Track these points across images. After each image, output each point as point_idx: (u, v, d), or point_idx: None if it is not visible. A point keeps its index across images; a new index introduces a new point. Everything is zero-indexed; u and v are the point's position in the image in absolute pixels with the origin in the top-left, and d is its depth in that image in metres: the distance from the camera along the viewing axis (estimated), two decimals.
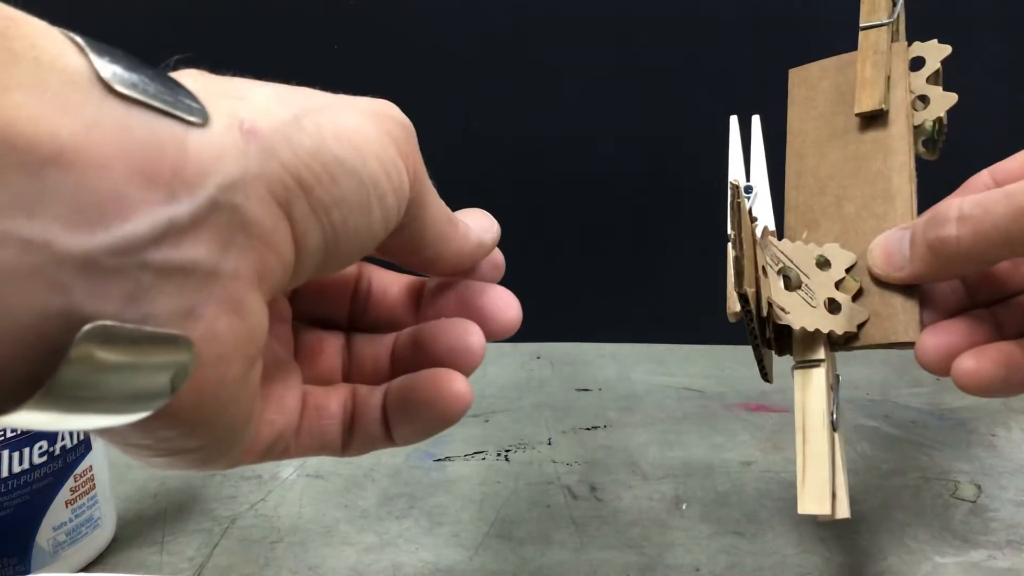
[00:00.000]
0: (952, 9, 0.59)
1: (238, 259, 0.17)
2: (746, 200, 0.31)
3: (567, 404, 0.56)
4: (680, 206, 0.67)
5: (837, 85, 0.37)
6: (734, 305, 0.30)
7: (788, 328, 0.31)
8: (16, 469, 0.35)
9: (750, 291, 0.28)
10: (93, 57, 0.15)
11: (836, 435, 0.29)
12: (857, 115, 0.35)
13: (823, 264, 0.33)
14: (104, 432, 0.19)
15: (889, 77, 0.35)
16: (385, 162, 0.20)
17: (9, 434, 0.34)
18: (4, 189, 0.13)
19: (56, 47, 0.15)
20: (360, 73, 0.63)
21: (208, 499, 0.45)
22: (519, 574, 0.38)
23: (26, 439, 0.35)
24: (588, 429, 0.53)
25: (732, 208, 0.29)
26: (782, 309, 0.30)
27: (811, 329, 0.30)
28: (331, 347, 0.27)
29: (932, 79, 0.36)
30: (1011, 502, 0.44)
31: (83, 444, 0.38)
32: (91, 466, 0.38)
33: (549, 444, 0.51)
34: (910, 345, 0.30)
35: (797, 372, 0.31)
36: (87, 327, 0.14)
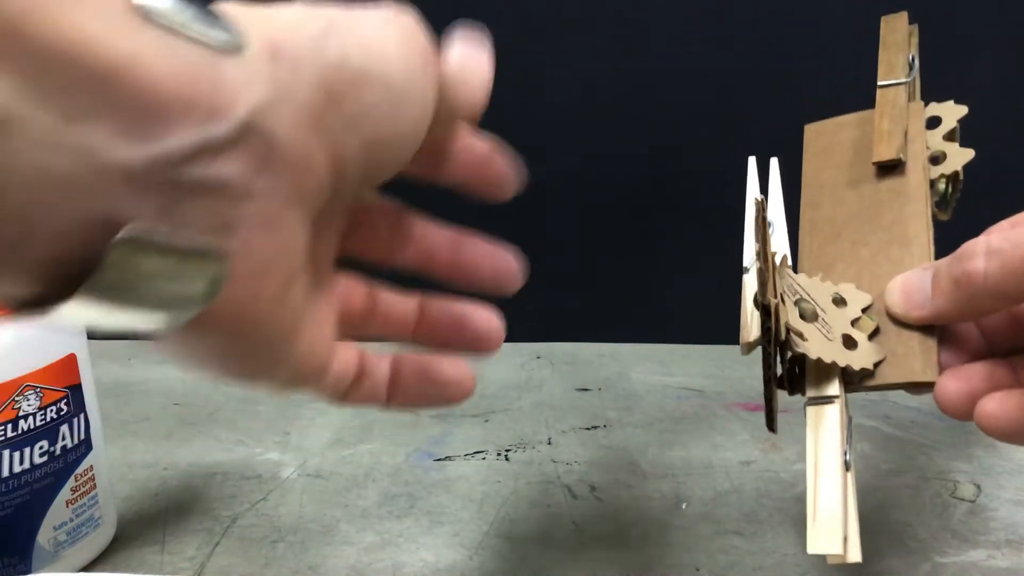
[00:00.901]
0: (953, 16, 0.60)
1: (272, 179, 0.17)
2: (766, 217, 0.30)
3: (567, 404, 0.57)
4: (681, 206, 0.67)
5: (854, 139, 0.38)
6: (748, 335, 0.30)
7: (801, 366, 0.31)
8: (17, 469, 0.35)
9: (774, 302, 0.28)
10: None
11: (849, 475, 0.29)
12: (875, 164, 0.35)
13: (839, 302, 0.32)
14: (157, 338, 0.20)
15: (906, 132, 0.36)
16: (409, 65, 0.20)
17: (10, 433, 0.35)
18: (64, 101, 0.14)
19: None
20: None
21: (209, 498, 0.45)
22: (519, 573, 0.39)
23: (27, 439, 0.35)
24: (588, 429, 0.53)
25: (756, 223, 0.29)
26: (800, 335, 0.29)
27: (828, 360, 0.29)
28: (358, 294, 0.27)
29: (948, 137, 0.36)
30: (1010, 502, 0.44)
31: (83, 444, 0.38)
32: (92, 466, 0.38)
33: (549, 444, 0.51)
34: (928, 387, 0.29)
35: (810, 409, 0.30)
36: (122, 233, 0.15)
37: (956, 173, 0.35)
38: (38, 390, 0.35)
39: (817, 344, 0.30)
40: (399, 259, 0.28)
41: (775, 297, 0.28)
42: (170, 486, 0.46)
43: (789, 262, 0.33)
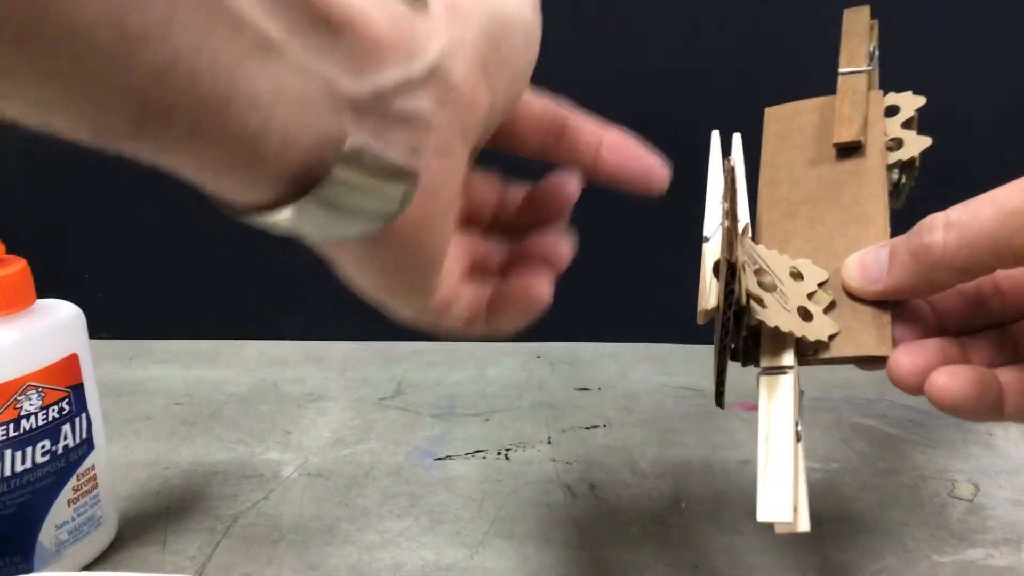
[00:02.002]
0: (952, 11, 0.60)
1: (449, 113, 0.21)
2: (734, 180, 0.31)
3: (567, 404, 0.57)
4: (681, 206, 0.67)
5: (814, 122, 0.38)
6: (706, 303, 0.30)
7: (755, 338, 0.31)
8: (19, 468, 0.35)
9: (741, 259, 0.28)
10: None
11: (799, 446, 0.29)
12: (834, 146, 0.36)
13: (796, 276, 0.32)
14: (345, 253, 0.23)
15: (866, 117, 0.36)
16: (535, 7, 0.25)
17: (12, 433, 0.35)
18: (314, 39, 0.18)
19: None
20: None
21: (210, 498, 0.45)
22: (519, 572, 0.39)
23: (29, 438, 0.35)
24: (588, 428, 0.53)
25: (726, 184, 0.29)
26: (760, 302, 0.30)
27: (785, 330, 0.29)
28: (481, 243, 0.32)
29: (906, 125, 0.36)
30: (1008, 501, 0.44)
31: (85, 443, 0.38)
32: (93, 465, 0.39)
33: (549, 443, 0.51)
34: (881, 362, 0.29)
35: (763, 379, 0.30)
36: (348, 144, 0.19)
37: (912, 160, 0.35)
38: (40, 390, 0.36)
39: (775, 312, 0.30)
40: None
41: (741, 258, 0.28)
42: (171, 485, 0.46)
43: (750, 233, 0.34)
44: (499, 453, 0.50)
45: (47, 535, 0.37)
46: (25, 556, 0.36)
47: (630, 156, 0.32)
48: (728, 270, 0.28)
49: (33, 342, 0.35)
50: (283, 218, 0.20)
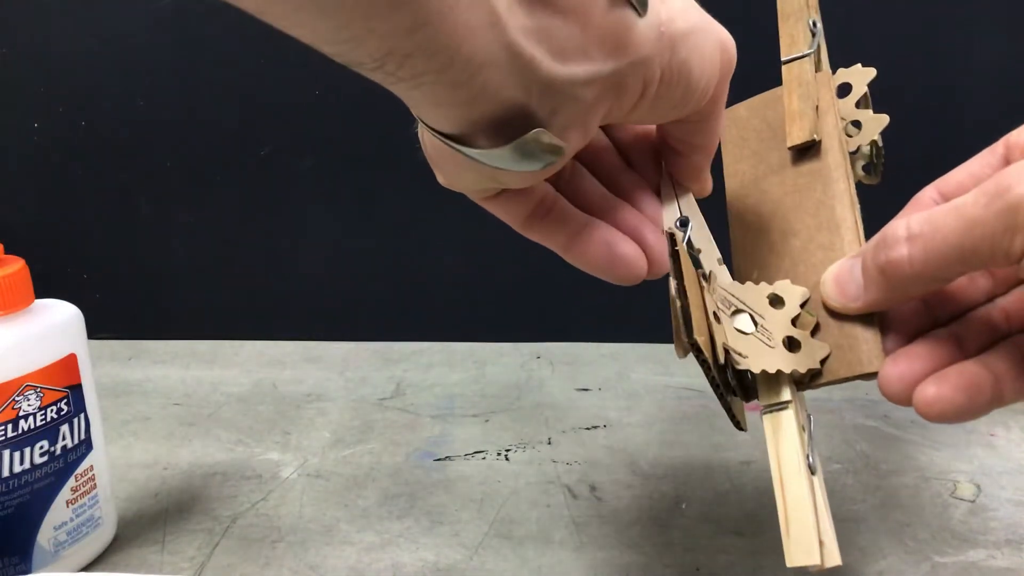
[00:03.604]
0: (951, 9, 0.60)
1: (604, 104, 0.25)
2: (684, 244, 0.30)
3: (567, 404, 0.57)
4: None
5: (767, 122, 0.37)
6: (680, 350, 0.30)
7: (751, 376, 0.31)
8: (17, 469, 0.35)
9: (701, 339, 0.27)
10: None
11: (815, 479, 0.28)
12: (790, 149, 0.35)
13: (776, 302, 0.32)
14: (501, 176, 0.27)
15: (817, 107, 0.35)
16: (707, 86, 0.28)
17: (11, 433, 0.35)
18: (535, 21, 0.22)
19: None
20: None
21: (209, 499, 0.45)
22: (519, 573, 0.39)
23: (27, 438, 0.35)
24: (588, 429, 0.53)
25: (671, 257, 0.29)
26: (739, 354, 0.29)
27: (772, 371, 0.29)
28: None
29: (862, 103, 0.36)
30: (1010, 502, 0.44)
31: (84, 444, 0.38)
32: (92, 466, 0.38)
33: (549, 444, 0.51)
34: (874, 377, 0.29)
35: (766, 417, 0.30)
36: (537, 130, 0.24)
37: (874, 142, 0.35)
38: (38, 390, 0.35)
39: (758, 357, 0.29)
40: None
41: (703, 335, 0.27)
42: (170, 486, 0.46)
43: (718, 276, 0.33)
44: (499, 454, 0.50)
45: (45, 536, 0.36)
46: (23, 557, 0.36)
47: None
48: (695, 350, 0.28)
49: (31, 342, 0.35)
50: (460, 146, 0.24)
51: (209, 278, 0.68)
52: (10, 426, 0.34)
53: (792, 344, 0.30)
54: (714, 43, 0.28)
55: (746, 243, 0.35)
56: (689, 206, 0.33)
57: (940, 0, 0.59)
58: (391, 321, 0.68)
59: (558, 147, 0.25)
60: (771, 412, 0.30)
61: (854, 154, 0.35)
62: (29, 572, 0.36)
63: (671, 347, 0.72)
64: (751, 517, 0.43)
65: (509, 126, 0.23)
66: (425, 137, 0.27)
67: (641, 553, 0.40)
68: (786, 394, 0.30)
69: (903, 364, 0.28)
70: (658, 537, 0.41)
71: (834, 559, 0.27)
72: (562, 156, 0.25)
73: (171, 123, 0.64)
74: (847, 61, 0.37)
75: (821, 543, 0.27)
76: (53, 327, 0.36)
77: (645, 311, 0.69)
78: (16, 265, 0.36)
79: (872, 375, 0.29)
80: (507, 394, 0.58)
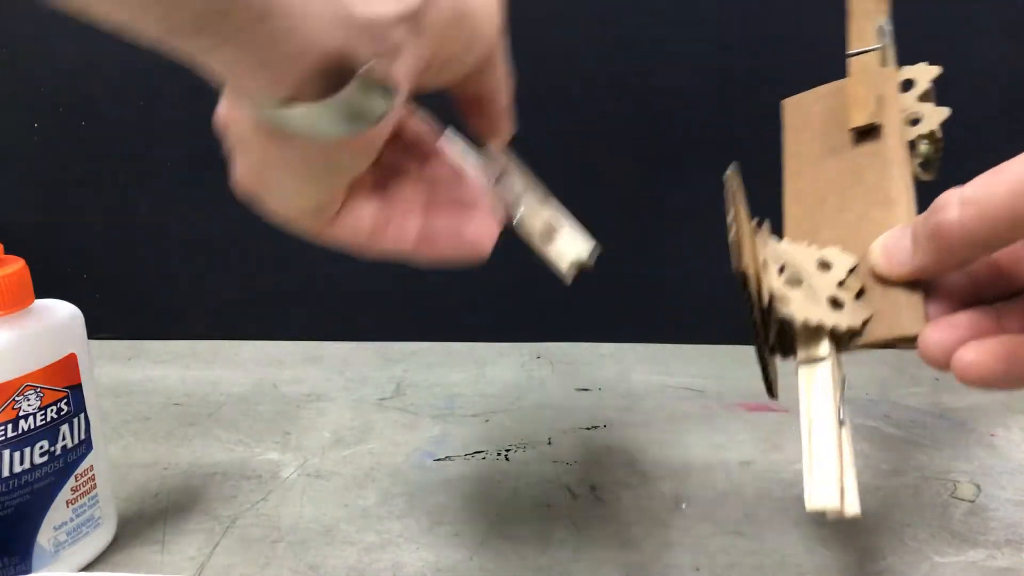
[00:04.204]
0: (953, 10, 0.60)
1: (414, 47, 0.25)
2: (736, 175, 0.30)
3: (567, 404, 0.57)
4: (681, 206, 0.67)
5: (830, 108, 0.38)
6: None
7: (790, 330, 0.31)
8: (17, 469, 0.35)
9: (749, 270, 0.28)
10: None
11: (844, 431, 0.29)
12: (851, 131, 0.36)
13: (824, 266, 0.32)
14: (318, 146, 0.26)
15: (881, 97, 0.36)
16: (487, 23, 0.28)
17: (11, 433, 0.35)
18: None
19: None
20: None
21: (209, 499, 0.45)
22: (519, 574, 0.39)
23: (27, 438, 0.35)
24: (588, 429, 0.53)
25: (729, 191, 0.29)
26: (783, 300, 0.30)
27: (814, 322, 0.30)
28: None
29: (923, 98, 0.36)
30: (1010, 502, 0.44)
31: (84, 444, 0.38)
32: (92, 466, 0.38)
33: (549, 444, 0.51)
34: (914, 342, 0.29)
35: (802, 369, 0.30)
36: (368, 64, 0.23)
37: (933, 132, 0.35)
38: (38, 390, 0.35)
39: (802, 306, 0.30)
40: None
41: (753, 264, 0.28)
42: (170, 486, 0.46)
43: (770, 228, 0.33)
44: (499, 454, 0.50)
45: (45, 536, 0.36)
46: (23, 557, 0.36)
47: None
48: (741, 280, 0.28)
49: (31, 342, 0.35)
50: (292, 114, 0.23)
51: (209, 278, 0.68)
52: (10, 426, 0.34)
53: (835, 304, 0.31)
54: None
55: (799, 217, 0.36)
56: (502, 160, 0.35)
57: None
58: (391, 321, 0.68)
59: (389, 87, 0.24)
60: (807, 365, 0.30)
61: (913, 149, 0.36)
62: (29, 572, 0.36)
63: (671, 347, 0.73)
64: (751, 517, 0.43)
65: (338, 80, 0.23)
66: (247, 138, 0.26)
67: (641, 553, 0.40)
68: (824, 349, 0.30)
69: (945, 329, 0.28)
70: (658, 537, 0.41)
71: (854, 509, 0.27)
72: (394, 103, 0.25)
73: (171, 123, 0.64)
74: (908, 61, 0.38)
75: (842, 493, 0.27)
76: (53, 327, 0.36)
77: (645, 311, 0.69)
78: (16, 265, 0.36)
79: (912, 339, 0.29)
80: (507, 394, 0.58)
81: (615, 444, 0.51)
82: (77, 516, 0.38)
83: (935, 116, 0.35)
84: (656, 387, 0.60)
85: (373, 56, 0.23)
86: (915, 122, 0.36)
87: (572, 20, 0.63)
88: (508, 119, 0.34)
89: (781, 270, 0.31)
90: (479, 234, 0.31)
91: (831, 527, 0.42)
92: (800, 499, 0.44)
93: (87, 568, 0.39)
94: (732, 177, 0.30)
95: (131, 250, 0.67)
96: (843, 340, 0.31)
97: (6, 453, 0.35)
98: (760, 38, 0.62)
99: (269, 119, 0.24)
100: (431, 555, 0.40)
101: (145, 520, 0.43)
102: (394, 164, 0.32)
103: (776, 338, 0.31)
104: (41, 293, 0.37)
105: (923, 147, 0.35)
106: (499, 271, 0.69)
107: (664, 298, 0.68)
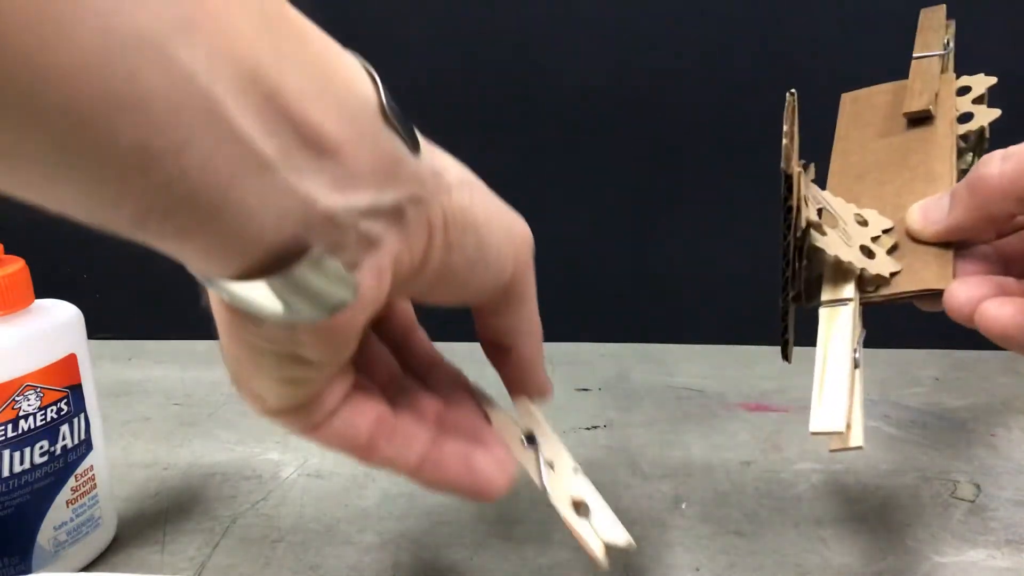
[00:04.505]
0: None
1: (391, 243, 0.23)
2: (797, 108, 0.31)
3: (567, 404, 0.57)
4: (681, 206, 0.67)
5: (887, 102, 0.40)
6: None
7: (817, 281, 0.32)
8: (17, 469, 0.35)
9: (797, 170, 0.29)
10: (382, 91, 0.22)
11: (857, 374, 0.29)
12: (905, 115, 0.37)
13: (861, 222, 0.33)
14: (277, 331, 0.24)
15: (937, 94, 0.38)
16: (500, 247, 0.27)
17: (11, 433, 0.35)
18: (304, 160, 0.20)
19: (359, 78, 0.22)
20: None
21: (209, 499, 0.45)
22: (519, 574, 0.39)
23: (27, 438, 0.35)
24: (588, 429, 0.53)
25: (787, 110, 0.30)
26: (820, 230, 0.30)
27: (845, 260, 0.30)
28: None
29: (977, 101, 0.38)
30: (1010, 502, 0.44)
31: (84, 444, 0.38)
32: (92, 466, 0.38)
33: None
34: (939, 298, 0.30)
35: (823, 310, 0.31)
36: (314, 250, 0.21)
37: (982, 130, 0.37)
38: (38, 390, 0.35)
39: (836, 243, 0.30)
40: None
41: (796, 170, 0.28)
42: (170, 486, 0.46)
43: (813, 174, 0.34)
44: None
45: (45, 536, 0.36)
46: (23, 557, 0.36)
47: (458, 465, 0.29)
48: (785, 182, 0.28)
49: (31, 342, 0.35)
50: (238, 290, 0.22)
51: None
52: (10, 426, 0.34)
53: (868, 253, 0.31)
54: (498, 205, 0.27)
55: (840, 186, 0.37)
56: (530, 417, 0.33)
57: None
58: None
59: (345, 276, 0.22)
60: (831, 307, 0.31)
61: (962, 147, 0.37)
62: (29, 572, 0.36)
63: (671, 347, 0.73)
64: (751, 517, 0.43)
65: (291, 261, 0.21)
66: (218, 312, 0.25)
67: (641, 554, 0.40)
68: (850, 291, 0.31)
69: (972, 285, 0.29)
70: (658, 537, 0.41)
71: (858, 441, 0.27)
72: (357, 293, 0.22)
73: None
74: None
75: (848, 425, 0.27)
76: (53, 327, 0.36)
77: (645, 311, 0.69)
78: (16, 265, 0.36)
79: (938, 294, 0.30)
80: (507, 394, 0.58)
81: (615, 444, 0.51)
82: (77, 516, 0.38)
83: (986, 115, 0.37)
84: (656, 387, 0.60)
85: (331, 248, 0.21)
86: (965, 119, 0.37)
87: (572, 18, 0.63)
88: (537, 375, 0.32)
89: (819, 213, 0.32)
90: (492, 470, 0.29)
91: (830, 527, 0.42)
92: (801, 498, 0.44)
93: (87, 568, 0.39)
94: (792, 97, 0.31)
95: (131, 250, 0.67)
96: (869, 287, 0.31)
97: (6, 453, 0.35)
98: (763, 39, 0.62)
99: (216, 289, 0.22)
100: (430, 556, 0.40)
101: (145, 520, 0.43)
102: (402, 376, 0.31)
103: (802, 284, 0.32)
104: (41, 293, 0.37)
105: (968, 147, 0.37)
106: None
107: (664, 298, 0.68)
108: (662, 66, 0.63)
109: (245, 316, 0.23)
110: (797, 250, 0.31)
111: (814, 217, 0.30)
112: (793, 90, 0.31)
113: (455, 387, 0.33)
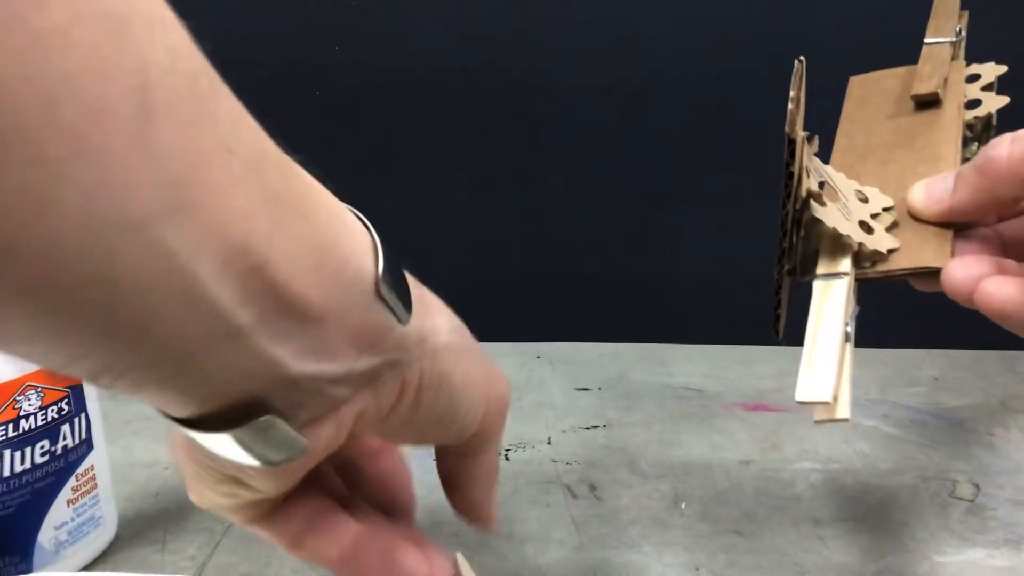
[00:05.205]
0: None
1: (359, 401, 0.22)
2: (803, 67, 0.31)
3: (567, 404, 0.57)
4: (682, 206, 0.67)
5: (896, 86, 0.40)
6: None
7: (813, 256, 0.31)
8: (18, 468, 0.35)
9: (799, 135, 0.28)
10: (380, 265, 0.21)
11: (848, 348, 0.28)
12: (912, 98, 0.37)
13: (862, 199, 0.33)
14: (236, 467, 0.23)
15: (946, 80, 0.38)
16: (472, 406, 0.27)
17: (11, 433, 0.35)
18: (281, 326, 0.19)
19: (360, 250, 0.21)
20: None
21: None
22: (519, 573, 0.39)
23: (28, 438, 0.35)
24: (588, 429, 0.53)
25: (795, 75, 0.30)
26: (820, 200, 0.30)
27: (843, 232, 0.30)
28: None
29: (986, 89, 0.38)
30: (1009, 501, 0.44)
31: (84, 444, 0.38)
32: (92, 465, 0.39)
33: (549, 443, 0.51)
34: (936, 276, 0.29)
35: (818, 283, 0.30)
36: (267, 417, 0.20)
37: (989, 116, 0.37)
38: (39, 390, 0.36)
39: (835, 215, 0.30)
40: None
41: (800, 134, 0.28)
42: (171, 486, 0.46)
43: (816, 146, 0.34)
44: (499, 453, 0.50)
45: (46, 535, 0.37)
46: (24, 556, 0.36)
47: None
48: (788, 146, 0.28)
49: None
50: (191, 432, 0.21)
51: None
52: (11, 426, 0.35)
53: (867, 229, 0.31)
54: (482, 368, 0.27)
55: (844, 164, 0.36)
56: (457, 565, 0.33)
57: None
58: None
59: (297, 440, 0.21)
60: (825, 279, 0.30)
61: (968, 137, 0.37)
62: (30, 572, 0.36)
63: (671, 347, 0.72)
64: (751, 517, 0.43)
65: (248, 416, 0.21)
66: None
67: (641, 553, 0.40)
68: (845, 266, 0.30)
69: (970, 264, 0.28)
70: (658, 537, 0.41)
71: (845, 413, 0.27)
72: (307, 452, 0.22)
73: None
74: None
75: (835, 397, 0.26)
76: None
77: (645, 311, 0.69)
78: None
79: (935, 272, 0.29)
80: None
81: (615, 444, 0.51)
82: (78, 516, 0.38)
83: (994, 102, 0.37)
84: (656, 387, 0.60)
85: (292, 407, 0.21)
86: (973, 106, 0.37)
87: (572, 19, 0.63)
88: (483, 511, 0.32)
89: (821, 186, 0.32)
90: (415, 571, 0.27)
91: (830, 527, 0.42)
92: (800, 498, 0.44)
93: (88, 568, 0.39)
94: (801, 64, 0.31)
95: None
96: (866, 262, 0.31)
97: (7, 453, 0.35)
98: (762, 39, 0.62)
99: (169, 423, 0.22)
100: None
101: (146, 519, 0.43)
102: (339, 483, 0.30)
103: (799, 257, 0.32)
104: None
105: (976, 130, 0.37)
106: (499, 271, 0.69)
107: (664, 298, 0.68)
108: (662, 66, 0.63)
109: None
110: (795, 222, 0.30)
111: (815, 187, 0.30)
112: (802, 57, 0.31)
113: (399, 477, 0.33)
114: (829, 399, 0.26)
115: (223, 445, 0.21)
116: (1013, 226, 0.32)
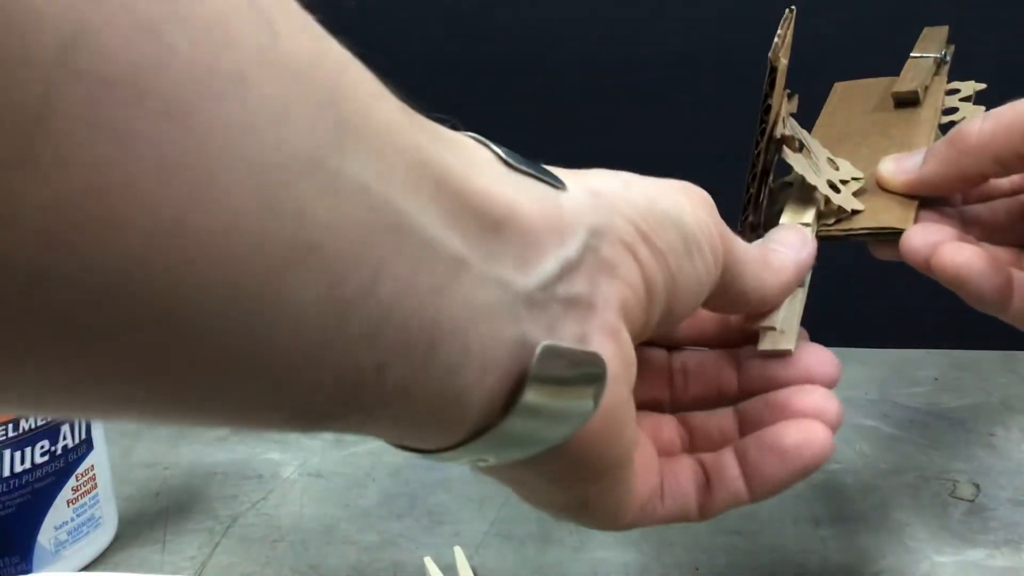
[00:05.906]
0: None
1: (606, 292, 0.19)
2: (793, 23, 0.31)
3: None
4: None
5: (877, 92, 0.41)
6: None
7: (777, 216, 0.32)
8: (18, 468, 0.35)
9: (781, 63, 0.29)
10: (492, 146, 0.19)
11: (801, 292, 0.29)
12: (892, 95, 0.38)
13: (833, 166, 0.34)
14: (515, 472, 0.21)
15: (927, 88, 0.39)
16: (699, 219, 0.23)
17: (11, 433, 0.35)
18: (485, 245, 0.17)
19: (473, 144, 0.19)
20: None
21: (209, 498, 0.45)
22: (519, 573, 0.39)
23: (28, 438, 0.35)
24: None
25: (784, 21, 0.31)
26: (792, 146, 0.30)
27: (811, 182, 0.30)
28: (668, 424, 0.29)
29: (964, 100, 0.40)
30: (1009, 501, 0.44)
31: (85, 443, 0.38)
32: (93, 465, 0.39)
33: None
34: (897, 236, 0.29)
35: None
36: (542, 345, 0.17)
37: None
38: None
39: (805, 165, 0.31)
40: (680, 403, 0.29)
41: (783, 61, 0.29)
42: (171, 486, 0.46)
43: (796, 107, 0.35)
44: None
45: (46, 535, 0.37)
46: (24, 556, 0.36)
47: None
48: (769, 75, 0.29)
49: None
50: (469, 449, 0.19)
51: None
52: (11, 426, 0.35)
53: (833, 188, 0.32)
54: (669, 185, 0.24)
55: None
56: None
57: None
58: None
59: (586, 355, 0.18)
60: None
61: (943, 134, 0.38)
62: (30, 572, 0.36)
63: None
64: (751, 517, 0.43)
65: (518, 390, 0.18)
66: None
67: (641, 553, 0.40)
68: (808, 217, 0.31)
69: (930, 231, 0.29)
70: (658, 537, 0.41)
71: (789, 344, 0.27)
72: (604, 375, 0.19)
73: None
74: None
75: (782, 331, 0.27)
76: None
77: None
78: None
79: (896, 233, 0.30)
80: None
81: None
82: (78, 516, 0.38)
83: (970, 111, 0.38)
84: None
85: (548, 331, 0.18)
86: (950, 113, 0.39)
87: (569, 15, 0.63)
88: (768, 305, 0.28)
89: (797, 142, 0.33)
90: (804, 439, 0.25)
91: (830, 527, 0.42)
92: (799, 497, 0.44)
93: (87, 568, 0.39)
94: (791, 13, 0.31)
95: None
96: (828, 219, 0.32)
97: (7, 453, 0.35)
98: (764, 39, 0.63)
99: (446, 460, 0.20)
100: (431, 555, 0.40)
101: (146, 520, 0.43)
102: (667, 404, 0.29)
103: (762, 216, 0.32)
104: None
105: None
106: None
107: None
108: (662, 64, 0.63)
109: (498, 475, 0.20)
110: (764, 171, 0.31)
111: (789, 132, 0.31)
112: (792, 7, 0.31)
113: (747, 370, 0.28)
114: (775, 326, 0.27)
115: (507, 446, 0.18)
116: (977, 209, 0.32)
